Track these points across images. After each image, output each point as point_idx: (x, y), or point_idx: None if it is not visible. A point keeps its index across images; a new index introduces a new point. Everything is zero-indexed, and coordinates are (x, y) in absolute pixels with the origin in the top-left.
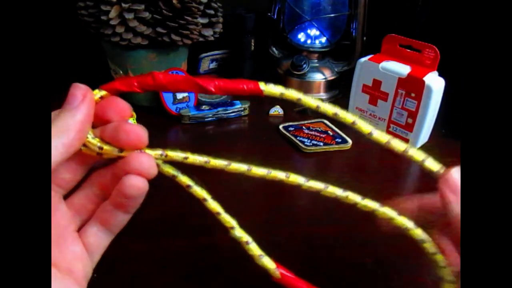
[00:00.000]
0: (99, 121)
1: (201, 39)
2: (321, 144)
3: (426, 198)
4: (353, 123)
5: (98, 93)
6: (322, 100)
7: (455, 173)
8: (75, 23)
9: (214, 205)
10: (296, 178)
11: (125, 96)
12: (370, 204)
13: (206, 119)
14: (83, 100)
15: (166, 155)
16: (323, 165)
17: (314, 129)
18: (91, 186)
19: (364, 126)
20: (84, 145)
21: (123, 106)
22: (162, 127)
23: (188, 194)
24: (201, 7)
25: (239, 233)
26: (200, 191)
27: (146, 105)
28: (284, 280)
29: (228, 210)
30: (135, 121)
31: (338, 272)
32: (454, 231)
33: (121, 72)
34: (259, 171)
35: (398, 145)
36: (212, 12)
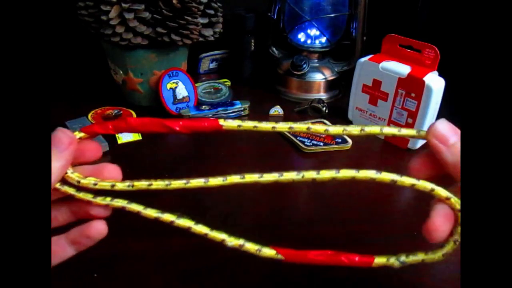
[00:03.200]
0: (74, 160)
1: (201, 39)
2: (321, 144)
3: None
4: (308, 128)
5: (78, 135)
6: (323, 100)
7: (440, 123)
8: (75, 23)
9: (199, 229)
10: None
11: (126, 95)
12: (387, 176)
13: None
14: (68, 148)
15: (133, 185)
16: (323, 165)
17: None
18: None
19: (319, 127)
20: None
21: (97, 148)
22: None
23: (188, 194)
24: (201, 7)
25: (231, 242)
26: (183, 223)
27: (146, 105)
28: (289, 258)
29: (228, 210)
30: None
31: (338, 272)
32: (455, 180)
33: (121, 72)
34: (235, 178)
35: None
36: (212, 12)
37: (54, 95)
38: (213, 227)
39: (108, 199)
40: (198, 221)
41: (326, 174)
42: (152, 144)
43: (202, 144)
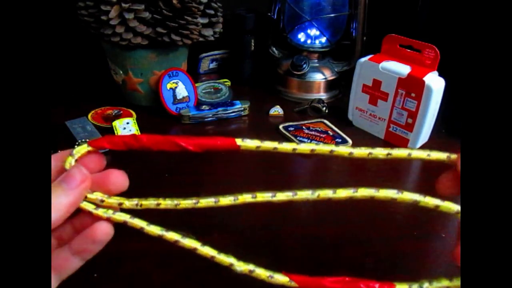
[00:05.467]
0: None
1: (201, 39)
2: (321, 144)
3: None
4: (331, 151)
5: (86, 148)
6: (323, 100)
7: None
8: (75, 23)
9: (206, 251)
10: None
11: (126, 95)
12: (409, 196)
13: (206, 119)
14: (80, 185)
15: (141, 205)
16: (323, 165)
17: (314, 129)
18: None
19: (342, 150)
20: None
21: (100, 160)
22: (162, 127)
23: (188, 194)
24: (201, 7)
25: (240, 267)
26: (188, 243)
27: (146, 105)
28: (303, 285)
29: (227, 211)
30: (135, 121)
31: (338, 272)
32: None
33: (121, 72)
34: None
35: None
36: (212, 12)
37: (54, 95)
38: (211, 228)
39: (110, 212)
40: (200, 239)
41: (343, 193)
42: None
43: None
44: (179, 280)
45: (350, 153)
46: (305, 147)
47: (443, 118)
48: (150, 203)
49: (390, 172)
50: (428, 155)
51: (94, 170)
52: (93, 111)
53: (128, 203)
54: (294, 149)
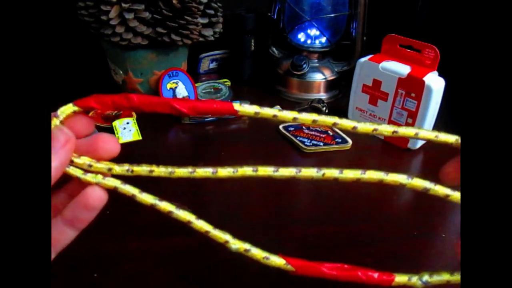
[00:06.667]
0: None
1: (201, 39)
2: (321, 144)
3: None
4: (334, 124)
5: (71, 108)
6: (323, 100)
7: None
8: (75, 23)
9: (201, 225)
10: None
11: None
12: (419, 182)
13: (206, 119)
14: (64, 146)
15: (132, 171)
16: (323, 165)
17: (314, 129)
18: None
19: (345, 123)
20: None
21: (89, 123)
22: (162, 127)
23: (188, 192)
24: (201, 7)
25: (235, 244)
26: (183, 215)
27: None
28: (300, 270)
29: (227, 211)
30: (135, 121)
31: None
32: None
33: (121, 72)
34: (247, 170)
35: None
36: (212, 12)
37: (54, 95)
38: (211, 225)
39: (100, 177)
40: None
41: (350, 174)
42: (152, 144)
43: (202, 144)
44: (179, 280)
45: (354, 127)
46: (307, 117)
47: (443, 118)
48: (142, 169)
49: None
50: (436, 136)
51: (82, 134)
52: (93, 111)
53: (119, 168)
54: (294, 118)
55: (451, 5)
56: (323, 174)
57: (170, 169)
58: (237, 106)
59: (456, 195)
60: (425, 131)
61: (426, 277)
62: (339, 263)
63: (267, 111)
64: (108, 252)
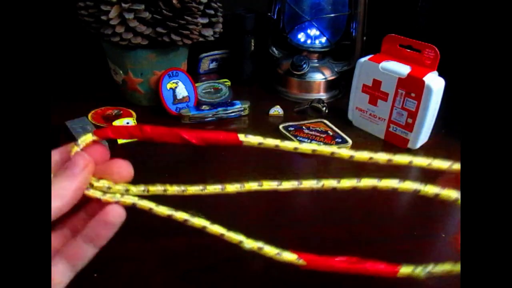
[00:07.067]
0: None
1: (201, 39)
2: (321, 144)
3: None
4: (332, 153)
5: (91, 138)
6: (323, 100)
7: None
8: (75, 23)
9: (216, 229)
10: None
11: (126, 95)
12: (409, 185)
13: (206, 119)
14: (83, 170)
15: (148, 190)
16: (323, 165)
17: (314, 129)
18: (62, 228)
19: (344, 152)
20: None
21: (105, 151)
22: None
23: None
24: (201, 7)
25: (249, 244)
26: (198, 222)
27: (146, 105)
28: (312, 264)
29: (227, 211)
30: (135, 121)
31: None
32: None
33: (121, 72)
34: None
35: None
36: (212, 12)
37: (54, 95)
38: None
39: (118, 195)
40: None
41: (347, 183)
42: (152, 144)
43: None
44: (179, 280)
45: (351, 156)
46: (306, 147)
47: (443, 118)
48: (157, 189)
49: (390, 172)
50: (429, 164)
51: (99, 161)
52: (93, 111)
53: (135, 189)
54: (295, 148)
55: (451, 5)
56: (323, 185)
57: (182, 187)
58: (242, 137)
59: (445, 193)
60: (418, 158)
61: (429, 268)
62: (348, 256)
63: (270, 142)
64: (108, 252)
